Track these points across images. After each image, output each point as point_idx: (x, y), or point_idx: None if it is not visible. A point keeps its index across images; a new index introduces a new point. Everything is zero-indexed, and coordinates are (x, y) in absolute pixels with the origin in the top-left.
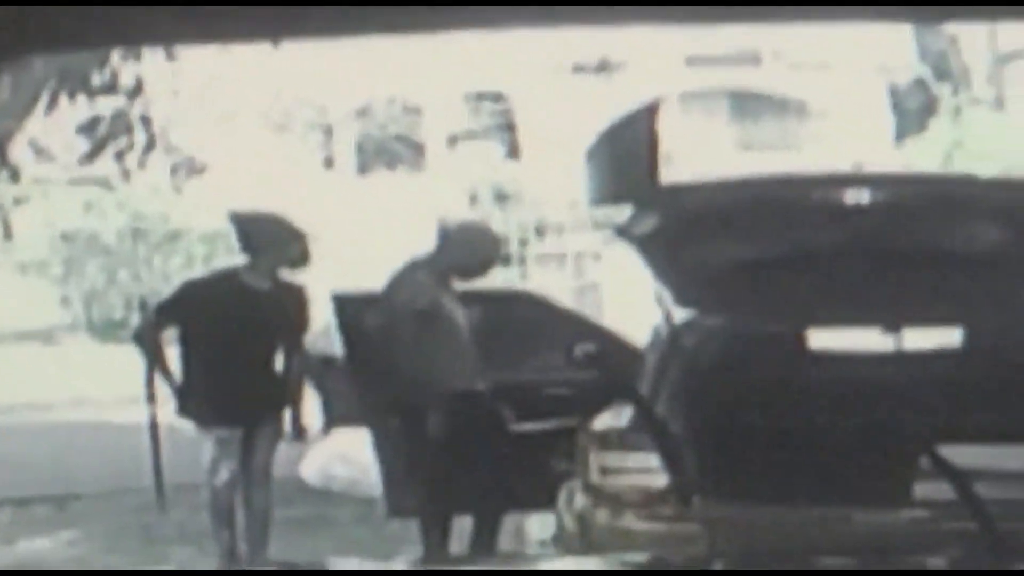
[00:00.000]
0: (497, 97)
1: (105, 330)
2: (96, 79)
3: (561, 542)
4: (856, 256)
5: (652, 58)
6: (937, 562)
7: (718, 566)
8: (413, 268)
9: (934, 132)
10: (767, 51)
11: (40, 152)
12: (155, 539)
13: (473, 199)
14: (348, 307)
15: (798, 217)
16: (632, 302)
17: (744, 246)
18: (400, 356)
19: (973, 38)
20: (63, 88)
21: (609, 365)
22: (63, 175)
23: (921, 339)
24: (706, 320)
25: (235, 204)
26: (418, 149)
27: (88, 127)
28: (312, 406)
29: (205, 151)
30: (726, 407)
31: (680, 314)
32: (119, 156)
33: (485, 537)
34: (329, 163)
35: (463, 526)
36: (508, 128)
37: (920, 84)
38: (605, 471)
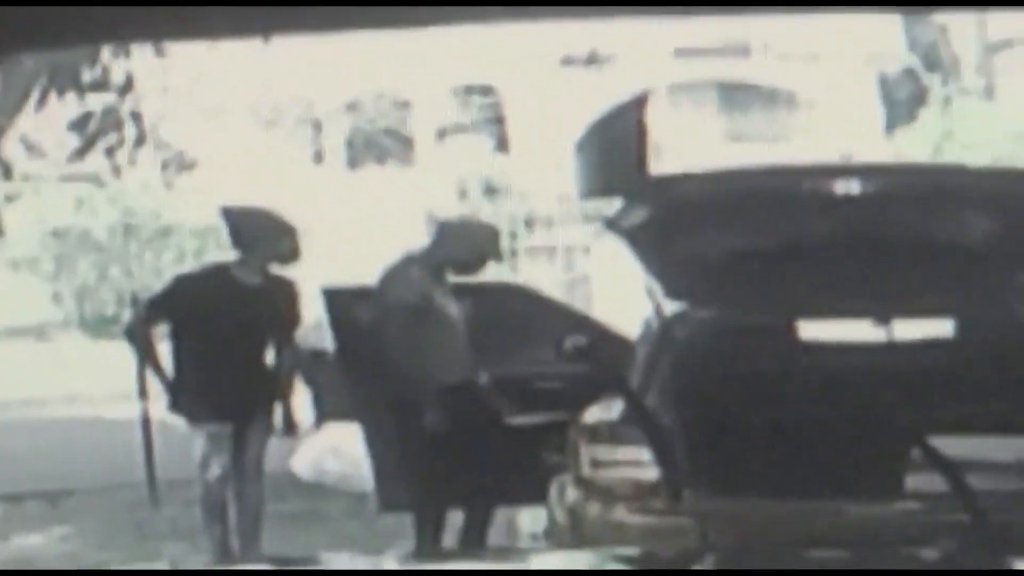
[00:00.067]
0: (486, 90)
1: (97, 326)
2: (86, 76)
3: (552, 535)
4: (846, 247)
5: (641, 50)
6: (930, 553)
7: (709, 559)
8: (407, 263)
9: (924, 122)
10: (756, 42)
11: (31, 149)
12: (148, 535)
13: (462, 193)
14: (339, 301)
15: (788, 208)
16: (622, 295)
17: (734, 238)
18: (391, 350)
19: (963, 28)
20: (54, 85)
21: (599, 358)
22: (54, 172)
23: (912, 330)
24: (696, 312)
25: (225, 199)
26: (407, 143)
27: (79, 123)
28: (303, 401)
29: (195, 147)
30: (717, 399)
31: (670, 306)
32: (110, 152)
33: (476, 531)
34: (319, 158)
35: (457, 520)
36: (497, 121)
37: (910, 74)
38: (596, 464)
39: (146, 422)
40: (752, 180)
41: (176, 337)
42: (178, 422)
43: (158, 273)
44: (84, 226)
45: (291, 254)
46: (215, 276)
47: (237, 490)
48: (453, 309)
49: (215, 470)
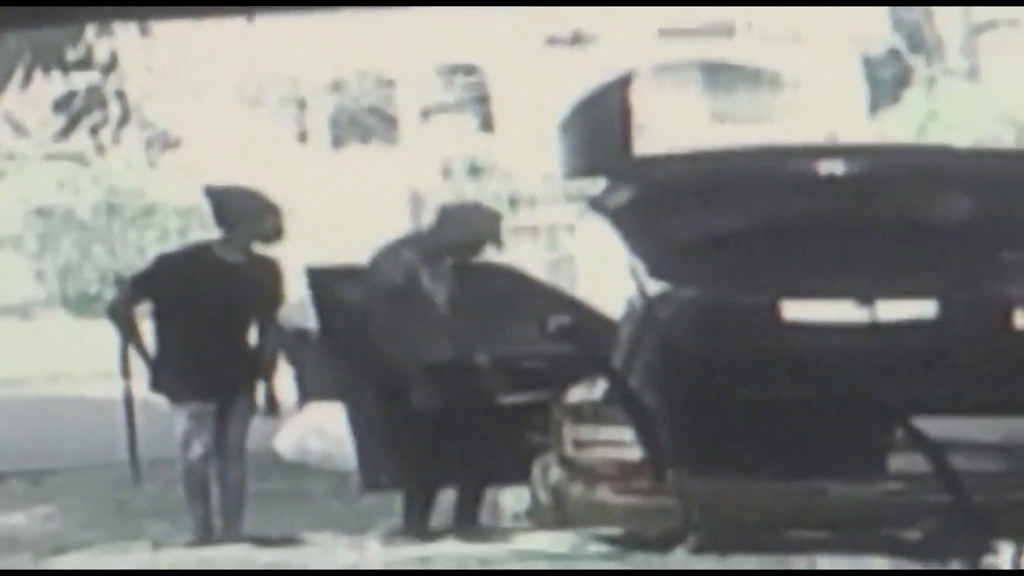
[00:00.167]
0: (470, 70)
1: (80, 305)
2: (70, 54)
3: (535, 515)
4: (830, 227)
5: (625, 30)
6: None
7: (692, 539)
8: (400, 245)
9: (908, 103)
10: (740, 23)
11: (15, 127)
12: (130, 514)
13: (447, 172)
14: (323, 281)
15: (772, 189)
16: (606, 274)
17: (718, 218)
18: (376, 330)
19: (947, 9)
20: (38, 64)
21: (583, 338)
22: (38, 150)
23: (895, 310)
24: (680, 292)
25: (209, 178)
26: (392, 122)
27: (63, 102)
28: (286, 380)
29: (179, 126)
30: (700, 379)
31: (654, 286)
32: (94, 131)
33: (467, 510)
34: (303, 137)
35: (446, 499)
36: (482, 101)
37: (894, 55)
38: (579, 444)
39: (129, 401)
40: (736, 161)
41: (159, 316)
42: (160, 401)
43: (142, 252)
44: (68, 205)
45: (275, 233)
46: (198, 255)
47: (219, 469)
48: (441, 292)
49: (197, 449)
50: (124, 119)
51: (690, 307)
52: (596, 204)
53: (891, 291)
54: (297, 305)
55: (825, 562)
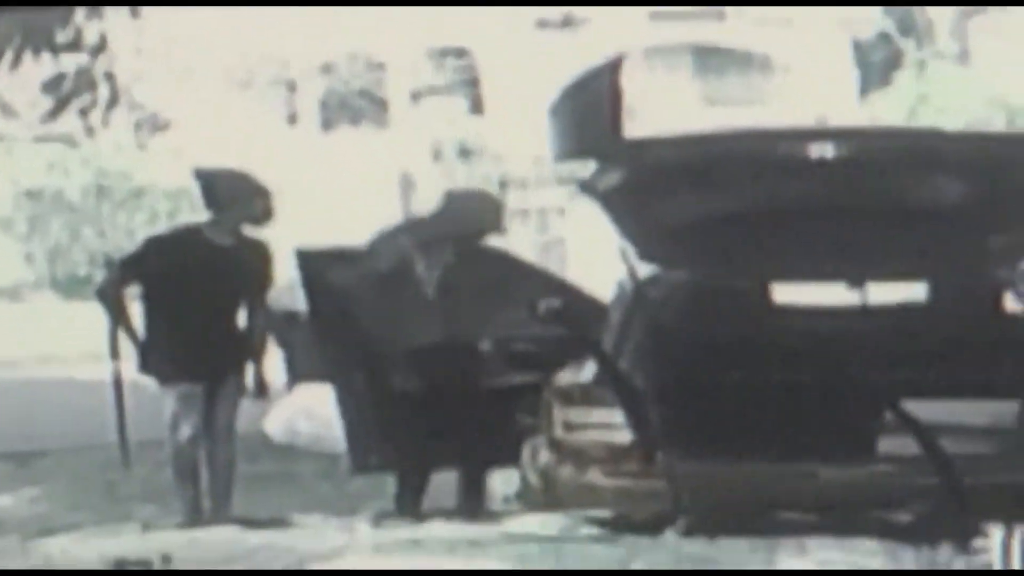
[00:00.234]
0: (460, 53)
1: (69, 287)
2: (60, 36)
3: (525, 498)
4: (821, 210)
5: (616, 13)
6: (901, 517)
7: (682, 522)
8: (399, 230)
9: (898, 86)
10: (731, 6)
11: (4, 109)
12: (119, 496)
13: (437, 154)
14: (312, 263)
15: (762, 171)
16: (596, 257)
17: (708, 201)
18: (366, 313)
19: None
20: (27, 45)
21: (573, 320)
22: (27, 132)
23: (886, 293)
24: (670, 275)
25: (199, 161)
26: (382, 105)
27: (52, 84)
28: (275, 362)
29: (169, 108)
30: (690, 362)
31: (644, 269)
32: (83, 113)
33: (473, 492)
34: (293, 119)
35: (440, 481)
36: (472, 83)
37: (884, 38)
38: (569, 427)
39: (118, 383)
40: (727, 144)
41: (148, 298)
42: (150, 383)
43: (131, 234)
44: (57, 187)
45: (264, 215)
46: (187, 237)
47: (208, 451)
48: (435, 277)
49: (186, 431)
50: (113, 101)
51: (680, 290)
52: (586, 187)
53: (881, 274)
54: (287, 287)
55: (815, 544)
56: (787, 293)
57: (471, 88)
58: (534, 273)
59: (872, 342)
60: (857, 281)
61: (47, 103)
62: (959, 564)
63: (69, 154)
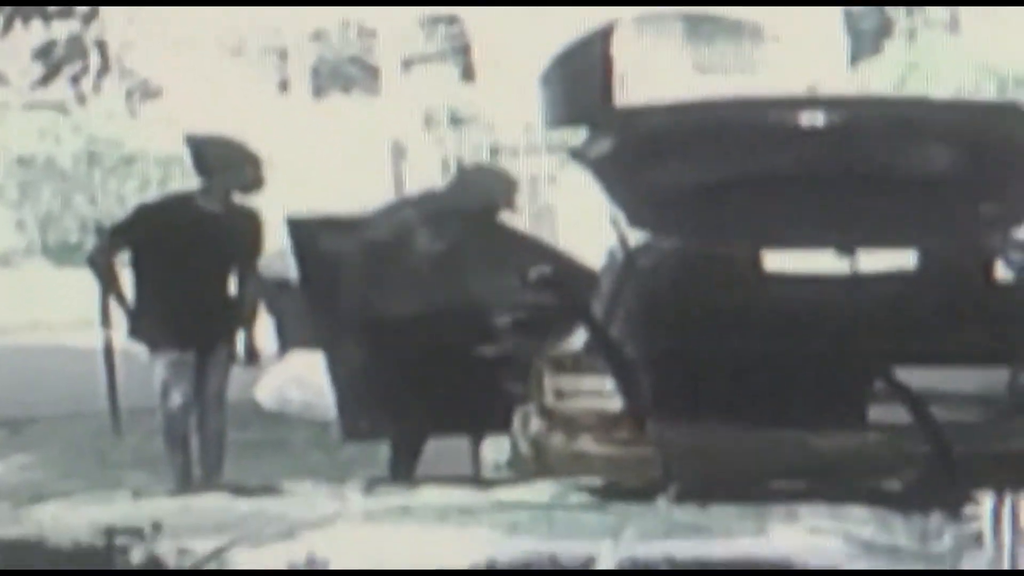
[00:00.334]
0: (451, 20)
1: (61, 254)
2: (51, 4)
3: (516, 466)
4: (811, 178)
5: None
6: (892, 484)
7: (673, 490)
8: (406, 203)
9: (889, 55)
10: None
11: None
12: (110, 463)
13: (428, 122)
14: (304, 230)
15: (753, 139)
16: (587, 224)
17: (699, 168)
18: (360, 281)
19: None
20: (18, 12)
21: (564, 288)
22: (18, 99)
23: (876, 261)
24: (661, 242)
25: (190, 128)
26: (373, 72)
27: (43, 51)
28: (266, 330)
29: (160, 75)
30: (681, 330)
31: (635, 236)
32: (74, 80)
33: (476, 459)
34: (284, 86)
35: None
36: (463, 51)
37: (874, 7)
38: (560, 394)
39: (109, 350)
40: (717, 111)
41: (138, 265)
42: (140, 350)
43: (122, 201)
44: (48, 154)
45: (254, 183)
46: (178, 204)
47: (199, 419)
48: (438, 250)
49: (176, 398)
50: (105, 68)
51: (671, 257)
52: (577, 154)
53: (871, 242)
54: (277, 254)
55: (806, 511)
56: (777, 260)
57: (462, 56)
58: (524, 240)
59: (863, 310)
60: (847, 249)
61: (38, 70)
62: (950, 531)
63: (60, 121)
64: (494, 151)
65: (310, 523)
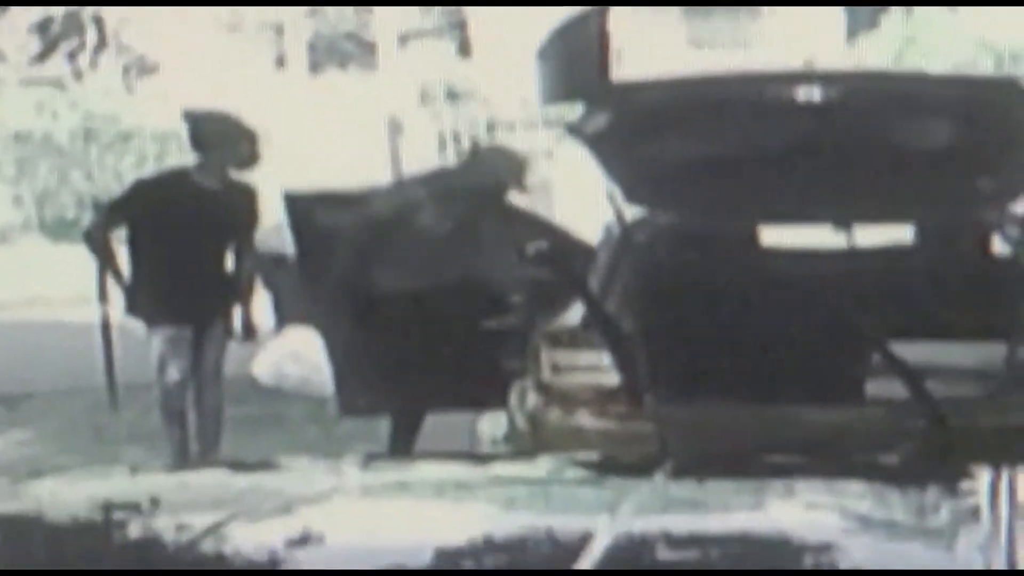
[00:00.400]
0: None
1: (58, 230)
2: None
3: (512, 441)
4: (808, 153)
5: None
6: (888, 459)
7: (669, 465)
8: (414, 181)
9: (886, 29)
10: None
11: None
12: (107, 439)
13: (425, 97)
14: (300, 205)
15: (750, 114)
16: (583, 200)
17: (695, 144)
18: (358, 256)
19: None
20: None
21: (561, 263)
22: (15, 75)
23: (873, 236)
24: (657, 218)
25: (187, 104)
26: (369, 48)
27: (40, 27)
28: (263, 305)
29: (157, 51)
30: (677, 305)
31: (631, 211)
32: (71, 56)
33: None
34: (281, 62)
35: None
36: (459, 26)
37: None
38: (557, 369)
39: (106, 326)
40: (714, 86)
41: (135, 241)
42: (137, 326)
43: (119, 177)
44: (45, 130)
45: (250, 159)
46: (174, 180)
47: (196, 394)
48: (444, 227)
49: (173, 374)
50: (101, 44)
51: (667, 232)
52: (574, 130)
53: (868, 216)
54: (274, 230)
55: (802, 486)
56: (774, 235)
57: (459, 31)
58: (521, 216)
59: (859, 284)
60: (844, 223)
61: (35, 46)
62: (947, 506)
63: (57, 97)
64: (490, 126)
65: (307, 498)
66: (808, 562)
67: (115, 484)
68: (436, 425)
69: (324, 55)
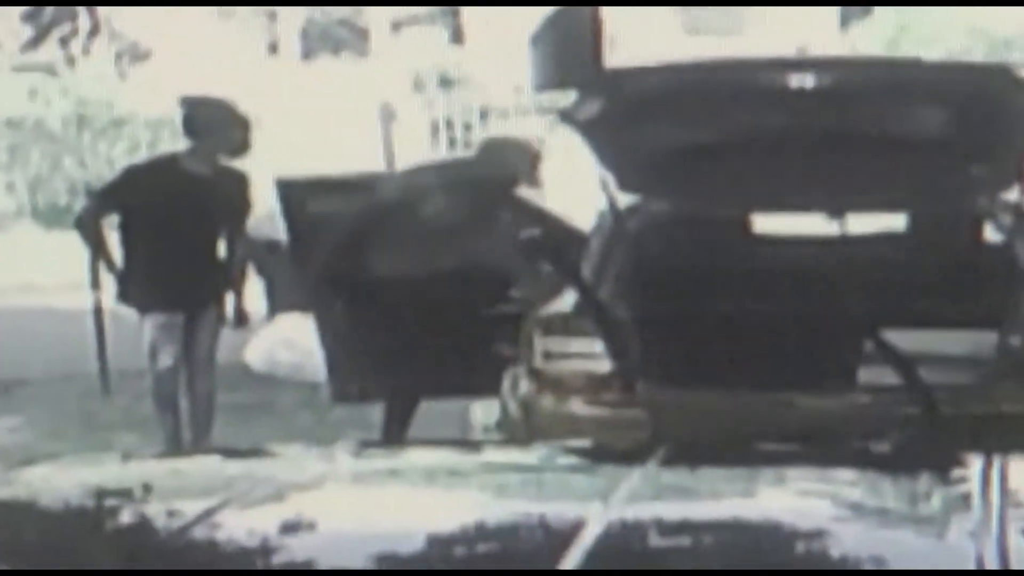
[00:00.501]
0: None
1: (50, 216)
2: None
3: (505, 427)
4: (801, 140)
5: None
6: (880, 447)
7: (662, 451)
8: (423, 169)
9: (879, 16)
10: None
11: None
12: (99, 425)
13: (417, 84)
14: (293, 192)
15: (743, 102)
16: (577, 187)
17: (689, 131)
18: (353, 242)
19: None
20: None
21: (553, 250)
22: (7, 61)
23: (866, 223)
24: (650, 205)
25: (179, 91)
26: (362, 34)
27: (33, 14)
28: (255, 292)
29: (149, 37)
30: (670, 292)
31: (624, 199)
32: (63, 42)
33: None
34: (273, 48)
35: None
36: (452, 13)
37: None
38: (549, 356)
39: (98, 313)
40: (707, 73)
41: (126, 228)
42: (130, 313)
43: (111, 164)
44: (38, 116)
45: (241, 146)
46: (165, 166)
47: (188, 381)
48: (450, 216)
49: (165, 361)
50: (94, 31)
51: (660, 219)
52: (567, 116)
53: (861, 204)
54: (266, 216)
55: (794, 474)
56: (767, 223)
57: (452, 18)
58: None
59: (852, 272)
60: (837, 211)
61: (27, 32)
62: (938, 493)
63: (49, 83)
64: (484, 113)
65: (299, 485)
66: (800, 549)
67: (107, 470)
68: (429, 412)
69: (317, 42)
